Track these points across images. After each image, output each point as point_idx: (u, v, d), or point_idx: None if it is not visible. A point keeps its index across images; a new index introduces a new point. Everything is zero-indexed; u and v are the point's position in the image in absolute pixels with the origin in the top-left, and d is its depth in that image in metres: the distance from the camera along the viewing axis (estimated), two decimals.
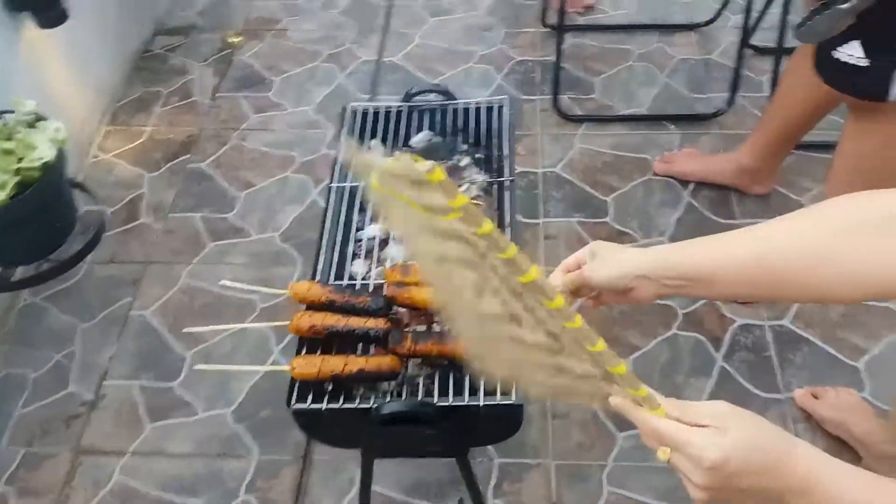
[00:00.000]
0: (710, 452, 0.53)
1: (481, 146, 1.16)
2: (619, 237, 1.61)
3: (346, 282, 1.01)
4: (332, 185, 1.12)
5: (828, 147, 1.70)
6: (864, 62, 1.05)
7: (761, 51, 1.93)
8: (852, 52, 1.05)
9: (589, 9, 2.18)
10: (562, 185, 1.73)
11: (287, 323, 0.93)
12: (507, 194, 1.05)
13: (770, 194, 1.66)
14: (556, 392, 0.63)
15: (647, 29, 2.11)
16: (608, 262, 0.70)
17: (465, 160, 1.14)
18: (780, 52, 1.72)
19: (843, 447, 1.26)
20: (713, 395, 1.36)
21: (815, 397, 1.34)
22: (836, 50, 1.07)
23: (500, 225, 1.03)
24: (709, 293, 0.68)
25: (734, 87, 1.83)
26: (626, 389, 0.57)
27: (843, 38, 1.05)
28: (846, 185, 1.29)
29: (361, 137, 1.18)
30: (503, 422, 0.89)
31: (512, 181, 1.07)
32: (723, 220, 1.63)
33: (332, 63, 2.11)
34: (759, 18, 1.85)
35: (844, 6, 0.99)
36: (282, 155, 1.88)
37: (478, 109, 1.19)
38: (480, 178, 1.11)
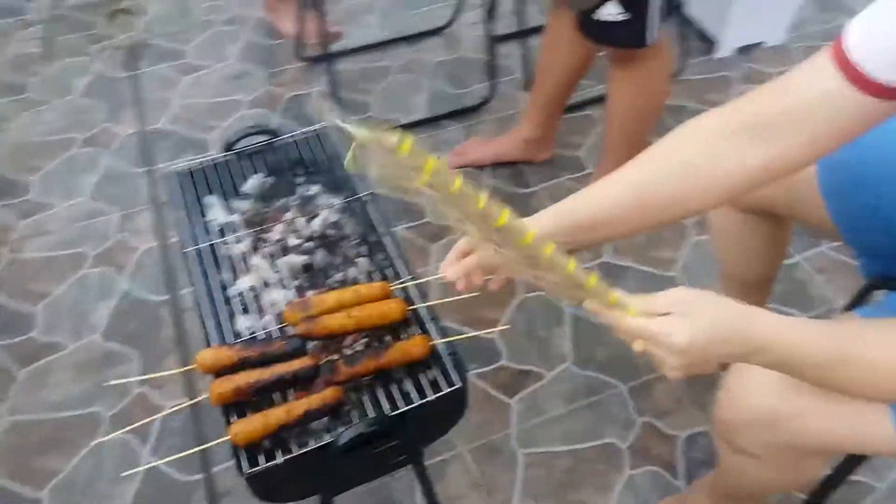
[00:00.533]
0: (677, 338, 0.62)
1: (322, 172, 1.16)
2: (444, 231, 1.70)
3: (246, 337, 0.96)
4: (187, 250, 1.05)
5: (581, 107, 1.97)
6: (622, 17, 1.25)
7: (503, 38, 2.15)
8: (611, 11, 1.24)
9: (336, 37, 2.25)
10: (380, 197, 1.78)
11: (203, 398, 0.87)
12: (371, 208, 1.08)
13: (553, 157, 1.86)
14: (548, 290, 0.69)
15: (397, 42, 2.24)
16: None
17: (314, 188, 1.14)
18: (522, 34, 1.95)
19: None
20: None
21: None
22: (596, 13, 1.26)
23: (377, 239, 1.05)
24: (601, 238, 0.78)
25: (492, 75, 2.02)
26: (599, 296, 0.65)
27: (602, 1, 1.23)
28: (618, 129, 1.51)
29: (198, 197, 1.13)
30: (451, 407, 0.91)
31: (371, 194, 1.10)
32: (523, 190, 1.80)
33: (90, 147, 1.95)
34: (492, 10, 2.06)
35: None
36: (70, 254, 1.70)
37: (306, 139, 1.20)
38: (336, 200, 1.12)
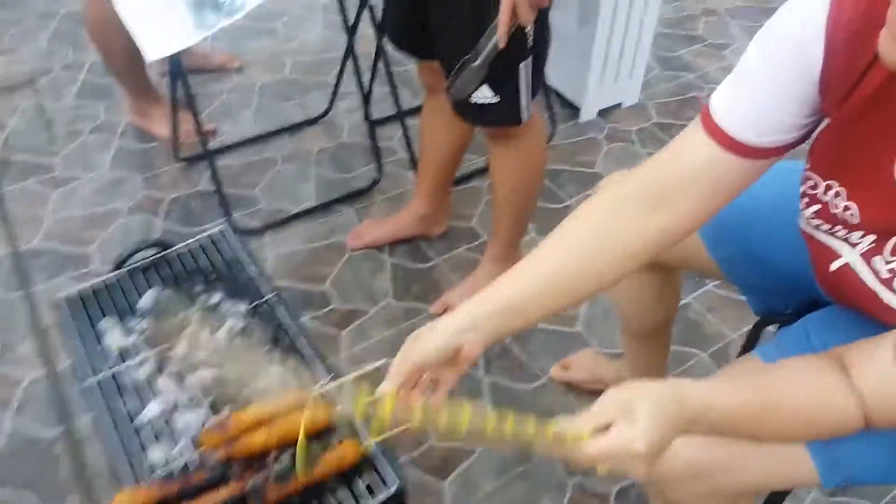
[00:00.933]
0: (637, 445, 0.63)
1: (222, 278, 1.13)
2: (352, 316, 1.69)
3: (162, 468, 0.90)
4: (86, 383, 0.98)
5: (467, 179, 2.04)
6: (496, 99, 1.32)
7: (382, 121, 2.21)
8: (485, 94, 1.31)
9: (213, 134, 2.23)
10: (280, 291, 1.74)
11: None
12: (279, 310, 1.06)
13: (448, 230, 1.91)
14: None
15: (278, 134, 2.24)
16: (428, 335, 0.75)
17: (216, 296, 1.10)
18: (399, 116, 2.00)
19: None
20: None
21: (566, 368, 1.58)
22: (471, 98, 1.32)
23: (290, 342, 1.03)
24: (525, 321, 0.79)
25: (377, 157, 2.06)
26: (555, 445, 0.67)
27: (475, 87, 1.30)
28: (503, 200, 1.57)
29: (91, 322, 1.06)
30: None
31: (277, 295, 1.08)
32: (423, 265, 1.83)
33: None
34: (368, 96, 2.12)
35: (476, 64, 1.23)
36: None
37: (201, 246, 1.17)
38: (241, 307, 1.09)
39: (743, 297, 1.12)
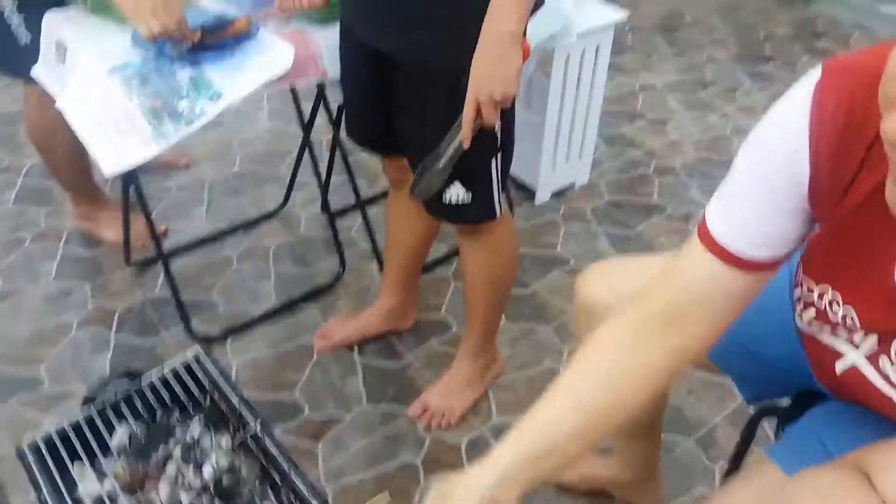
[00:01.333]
0: None
1: (200, 408, 1.07)
2: (326, 425, 1.61)
3: None
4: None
5: (432, 268, 2.02)
6: (468, 198, 1.31)
7: (341, 212, 2.19)
8: (458, 192, 1.30)
9: (164, 235, 2.16)
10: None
11: None
12: (268, 441, 1.00)
13: (417, 323, 1.87)
14: None
15: (233, 232, 2.18)
16: (457, 495, 0.71)
17: (195, 429, 1.03)
18: (359, 205, 1.99)
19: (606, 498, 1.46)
20: None
21: None
22: (444, 198, 1.31)
23: (282, 476, 0.97)
24: (558, 464, 0.76)
25: (339, 250, 2.02)
26: None
27: (446, 184, 1.29)
28: (478, 294, 1.55)
29: (58, 471, 0.97)
30: None
31: (264, 424, 1.01)
32: (396, 363, 1.78)
33: None
34: (326, 188, 2.10)
35: (440, 165, 1.23)
36: None
37: (175, 374, 1.10)
38: (224, 440, 1.02)
39: (723, 380, 1.12)
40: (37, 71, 1.65)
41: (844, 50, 3.37)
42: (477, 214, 1.35)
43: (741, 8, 3.77)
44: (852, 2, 3.63)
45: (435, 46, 1.17)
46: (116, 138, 1.37)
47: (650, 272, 1.14)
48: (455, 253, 2.09)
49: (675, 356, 0.76)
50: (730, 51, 3.34)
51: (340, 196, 2.20)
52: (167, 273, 1.81)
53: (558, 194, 2.35)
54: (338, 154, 1.99)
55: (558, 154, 2.25)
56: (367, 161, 2.40)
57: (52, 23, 1.61)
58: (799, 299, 0.81)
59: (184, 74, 1.42)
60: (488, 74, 1.10)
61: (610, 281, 1.13)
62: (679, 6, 3.75)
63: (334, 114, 1.87)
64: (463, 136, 1.17)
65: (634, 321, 0.78)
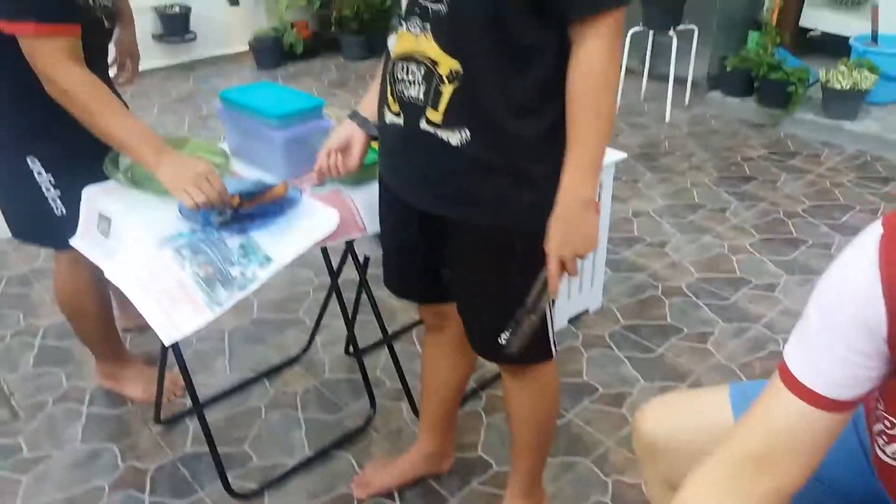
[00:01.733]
0: None
1: None
2: None
3: None
4: None
5: (462, 404, 2.02)
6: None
7: (366, 349, 2.22)
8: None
9: (185, 389, 2.15)
10: None
11: None
12: None
13: (455, 463, 1.86)
14: None
15: (258, 380, 2.19)
16: None
17: None
18: (385, 341, 2.02)
19: None
20: None
21: None
22: (499, 337, 1.36)
23: None
24: None
25: (369, 392, 2.03)
26: None
27: (504, 327, 1.34)
28: (524, 435, 1.57)
29: None
30: None
31: None
32: None
33: None
34: (352, 330, 2.13)
35: (534, 318, 1.28)
36: None
37: None
38: None
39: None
40: (77, 242, 1.71)
41: (818, 168, 3.60)
42: (535, 356, 1.40)
43: (714, 133, 4.04)
44: (818, 122, 3.91)
45: (492, 209, 1.25)
46: (170, 308, 1.41)
47: (709, 406, 1.19)
48: (483, 387, 2.12)
49: (770, 499, 0.79)
50: (710, 174, 3.55)
51: (362, 336, 2.23)
52: (204, 427, 1.79)
53: (574, 320, 2.41)
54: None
55: (572, 281, 2.33)
56: (386, 299, 2.45)
57: (93, 196, 1.68)
58: (881, 433, 0.85)
59: (234, 241, 1.48)
60: (571, 238, 1.20)
61: (671, 418, 1.17)
62: (655, 135, 4.01)
63: (364, 263, 1.95)
64: (552, 290, 1.24)
65: (727, 467, 0.81)
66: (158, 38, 5.06)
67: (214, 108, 4.52)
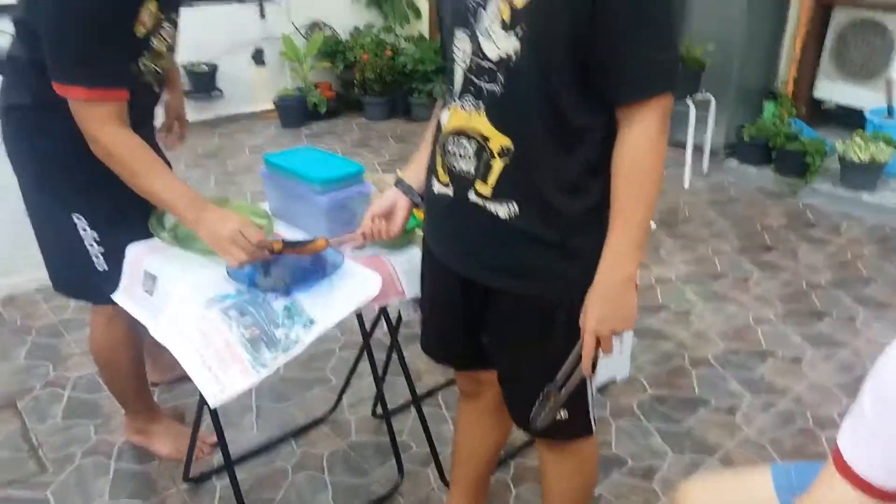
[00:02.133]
0: None
1: None
2: None
3: None
4: None
5: None
6: (565, 414, 1.36)
7: (393, 412, 2.21)
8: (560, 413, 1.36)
9: (214, 447, 2.15)
10: None
11: None
12: None
13: None
14: None
15: (284, 440, 2.19)
16: None
17: None
18: (417, 407, 2.01)
19: None
20: None
21: None
22: (540, 415, 1.37)
23: None
24: None
25: (396, 457, 2.02)
26: None
27: (557, 414, 1.34)
28: (566, 501, 1.57)
29: None
30: None
31: None
32: None
33: None
34: (381, 393, 2.13)
35: (562, 395, 1.29)
36: None
37: None
38: None
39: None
40: (120, 298, 1.74)
41: (838, 238, 3.63)
42: (574, 431, 1.40)
43: (733, 201, 4.09)
44: (836, 193, 3.95)
45: (536, 280, 1.27)
46: (218, 368, 1.43)
47: (752, 488, 1.19)
48: (511, 456, 2.11)
49: None
50: (731, 242, 3.58)
51: (387, 397, 2.23)
52: (235, 487, 1.77)
53: (601, 389, 2.40)
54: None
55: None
56: (412, 361, 2.46)
57: (138, 254, 1.71)
58: None
59: (279, 303, 1.51)
60: (610, 316, 1.20)
61: (714, 500, 1.17)
62: (675, 202, 4.06)
63: (396, 325, 1.97)
64: (585, 369, 1.25)
65: None
66: (186, 94, 5.21)
67: (240, 164, 4.63)
